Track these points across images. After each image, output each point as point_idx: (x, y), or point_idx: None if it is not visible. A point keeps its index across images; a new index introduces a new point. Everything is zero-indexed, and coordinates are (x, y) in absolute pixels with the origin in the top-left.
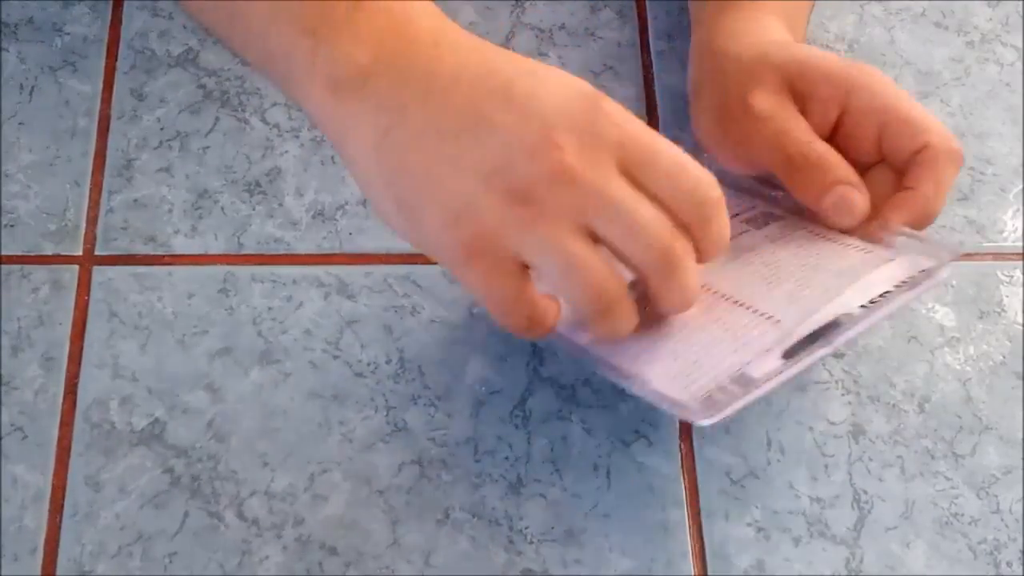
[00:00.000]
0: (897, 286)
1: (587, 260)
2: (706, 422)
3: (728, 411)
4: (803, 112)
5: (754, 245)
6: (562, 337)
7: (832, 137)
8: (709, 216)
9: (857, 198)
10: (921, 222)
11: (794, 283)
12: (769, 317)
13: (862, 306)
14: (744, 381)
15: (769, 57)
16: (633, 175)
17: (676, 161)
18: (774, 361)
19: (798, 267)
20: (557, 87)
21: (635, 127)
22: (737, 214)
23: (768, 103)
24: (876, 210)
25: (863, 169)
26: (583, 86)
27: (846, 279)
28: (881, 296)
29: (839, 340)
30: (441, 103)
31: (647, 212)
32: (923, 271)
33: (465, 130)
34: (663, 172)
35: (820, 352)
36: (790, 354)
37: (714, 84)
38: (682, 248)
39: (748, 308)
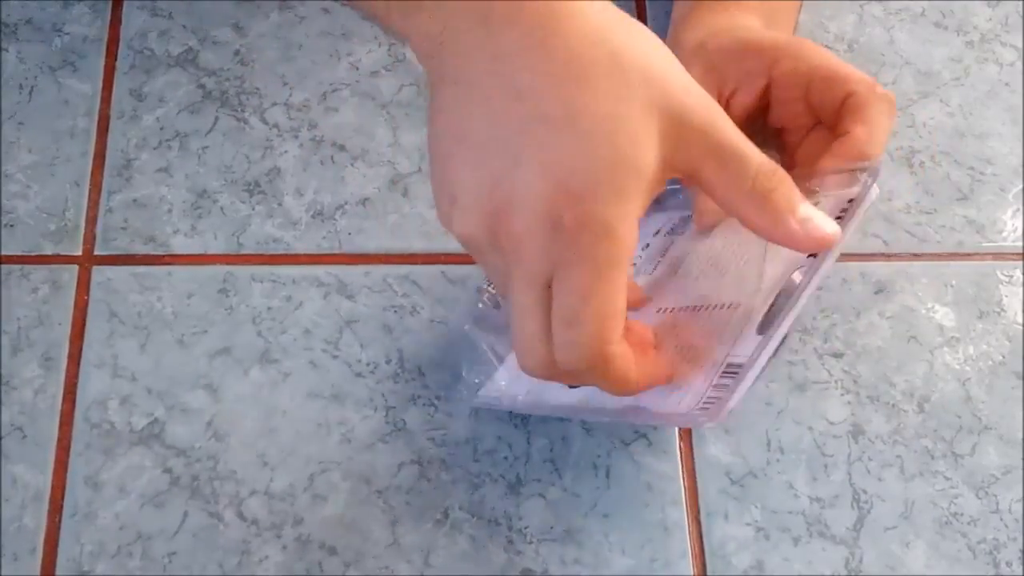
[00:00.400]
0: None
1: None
2: (713, 424)
3: (731, 404)
4: (734, 90)
5: (686, 250)
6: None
7: (764, 109)
8: (608, 378)
9: None
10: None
11: (736, 266)
12: (729, 306)
13: (809, 255)
14: (732, 371)
15: (704, 45)
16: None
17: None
18: (752, 340)
19: (734, 250)
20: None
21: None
22: (659, 231)
23: None
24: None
25: (800, 136)
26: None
27: None
28: None
29: (802, 294)
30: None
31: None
32: (851, 200)
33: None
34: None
35: (791, 313)
36: (763, 328)
37: None
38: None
39: (707, 308)
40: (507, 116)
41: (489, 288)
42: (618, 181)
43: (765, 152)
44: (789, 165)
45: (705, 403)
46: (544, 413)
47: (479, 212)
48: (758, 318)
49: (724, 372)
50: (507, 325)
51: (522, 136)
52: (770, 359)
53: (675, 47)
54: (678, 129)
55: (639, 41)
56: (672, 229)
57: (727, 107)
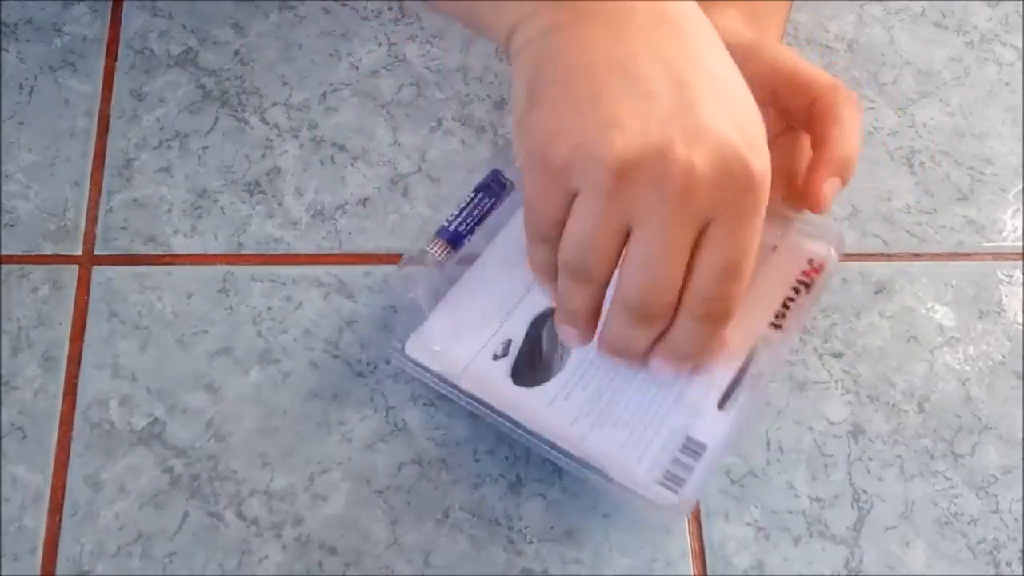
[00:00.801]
0: (795, 288)
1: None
2: (686, 512)
3: (693, 488)
4: None
5: None
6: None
7: None
8: (708, 334)
9: None
10: (844, 173)
11: None
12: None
13: (772, 324)
14: (693, 447)
15: None
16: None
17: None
18: (711, 415)
19: None
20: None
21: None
22: None
23: None
24: (786, 178)
25: (770, 140)
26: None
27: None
28: (785, 307)
29: (764, 369)
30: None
31: (671, 267)
32: (812, 262)
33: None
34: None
35: (751, 391)
36: (722, 403)
37: None
38: (652, 324)
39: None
40: (675, 58)
41: (432, 249)
42: (766, 144)
43: None
44: None
45: (666, 479)
46: (481, 411)
47: (650, 137)
48: (719, 393)
49: (684, 447)
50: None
51: (698, 80)
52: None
53: None
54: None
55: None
56: None
57: None
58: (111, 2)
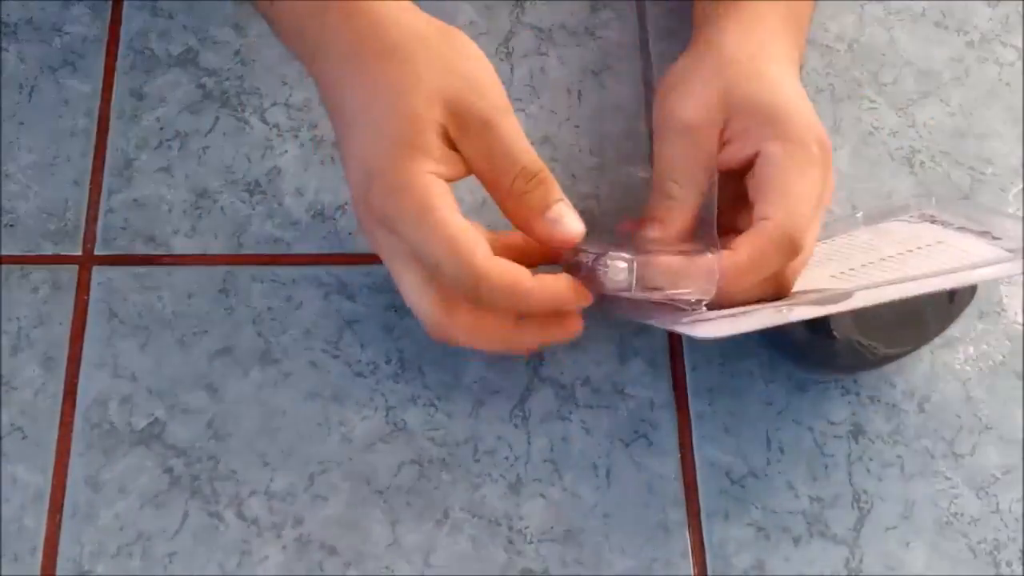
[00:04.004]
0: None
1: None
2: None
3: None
4: (725, 132)
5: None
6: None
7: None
8: None
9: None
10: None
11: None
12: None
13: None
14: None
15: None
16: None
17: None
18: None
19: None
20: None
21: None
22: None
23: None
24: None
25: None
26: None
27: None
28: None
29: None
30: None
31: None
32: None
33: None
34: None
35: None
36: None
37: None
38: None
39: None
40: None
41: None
42: (402, 150)
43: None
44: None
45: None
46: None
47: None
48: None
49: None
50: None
51: (342, 140)
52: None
53: (708, 49)
54: (459, 120)
55: (448, 47)
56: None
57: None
58: (111, 2)
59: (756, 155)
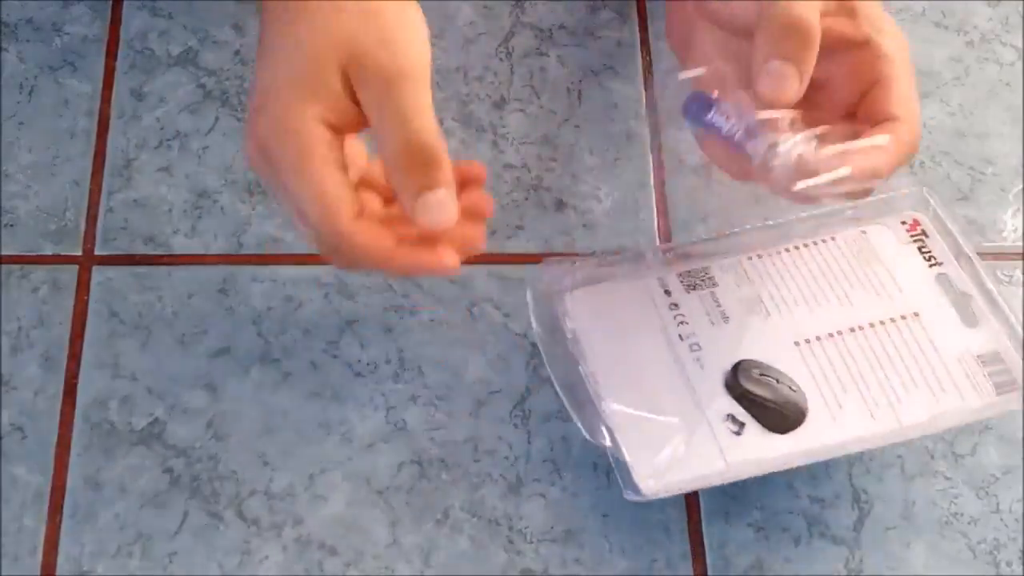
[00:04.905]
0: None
1: None
2: None
3: None
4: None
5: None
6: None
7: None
8: None
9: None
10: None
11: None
12: None
13: None
14: None
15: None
16: None
17: None
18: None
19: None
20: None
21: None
22: None
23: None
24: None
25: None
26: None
27: None
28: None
29: None
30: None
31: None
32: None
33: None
34: None
35: None
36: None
37: None
38: None
39: None
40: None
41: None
42: (294, 89)
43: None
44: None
45: None
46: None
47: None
48: None
49: None
50: None
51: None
52: None
53: None
54: (360, 72)
55: (384, 4)
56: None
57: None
58: (111, 2)
59: (864, 42)
